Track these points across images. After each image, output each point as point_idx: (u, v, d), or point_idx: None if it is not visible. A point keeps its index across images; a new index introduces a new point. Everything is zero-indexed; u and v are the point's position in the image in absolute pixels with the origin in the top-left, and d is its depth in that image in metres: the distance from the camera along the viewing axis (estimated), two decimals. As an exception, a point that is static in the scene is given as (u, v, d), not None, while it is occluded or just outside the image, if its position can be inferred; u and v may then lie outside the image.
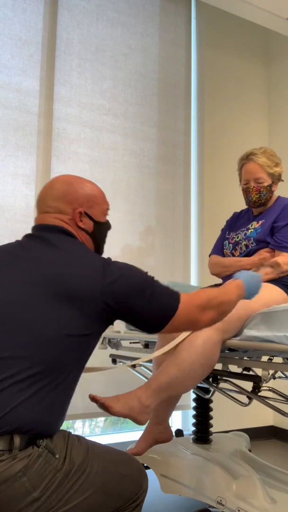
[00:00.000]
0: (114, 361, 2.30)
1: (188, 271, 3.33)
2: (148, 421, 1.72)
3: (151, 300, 1.25)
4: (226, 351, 1.79)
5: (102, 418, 3.11)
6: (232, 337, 1.66)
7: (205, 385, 1.79)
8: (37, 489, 1.08)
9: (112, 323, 1.29)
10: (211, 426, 2.22)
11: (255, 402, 1.72)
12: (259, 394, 1.61)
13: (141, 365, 2.19)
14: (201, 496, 1.85)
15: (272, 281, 1.81)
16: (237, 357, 1.74)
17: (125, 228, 3.11)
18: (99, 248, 1.48)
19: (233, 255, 2.05)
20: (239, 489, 1.75)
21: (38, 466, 1.10)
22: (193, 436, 2.22)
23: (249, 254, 1.99)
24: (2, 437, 1.08)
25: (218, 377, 1.76)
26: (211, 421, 2.22)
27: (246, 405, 1.69)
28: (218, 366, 1.76)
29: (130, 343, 2.23)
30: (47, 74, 2.93)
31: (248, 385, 1.64)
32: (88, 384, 2.86)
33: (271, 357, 1.96)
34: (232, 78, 3.71)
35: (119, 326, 2.51)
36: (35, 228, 1.36)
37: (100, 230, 1.46)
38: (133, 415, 1.43)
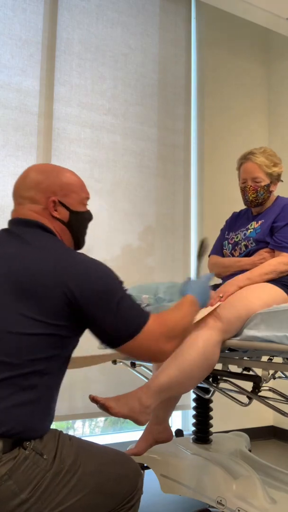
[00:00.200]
0: (114, 361, 2.30)
1: (188, 271, 3.33)
2: (148, 421, 1.72)
3: (118, 310, 1.18)
4: (226, 351, 1.79)
5: (102, 418, 3.11)
6: (232, 337, 1.66)
7: (205, 385, 1.80)
8: (25, 491, 1.06)
9: (86, 325, 1.22)
10: (211, 426, 2.22)
11: (255, 402, 1.72)
12: (259, 394, 1.61)
13: (141, 365, 2.19)
14: (201, 496, 1.85)
15: (272, 281, 1.81)
16: (237, 357, 1.75)
17: (125, 228, 3.11)
18: (78, 240, 1.38)
19: (233, 255, 2.05)
20: (239, 489, 1.76)
21: (25, 468, 1.08)
22: (193, 436, 2.22)
23: (248, 254, 1.99)
24: None
25: (218, 377, 1.76)
26: (211, 421, 2.22)
27: (246, 405, 1.69)
28: (218, 366, 1.76)
29: None
30: (47, 74, 2.93)
31: (248, 385, 1.64)
32: (88, 384, 2.86)
33: (271, 357, 1.96)
34: (232, 78, 3.71)
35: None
36: (10, 222, 1.30)
37: (78, 220, 1.35)
38: (133, 415, 1.43)
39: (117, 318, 1.18)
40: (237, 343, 1.63)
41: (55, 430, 1.22)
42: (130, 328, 1.19)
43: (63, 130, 2.96)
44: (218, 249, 2.15)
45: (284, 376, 2.04)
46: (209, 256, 2.18)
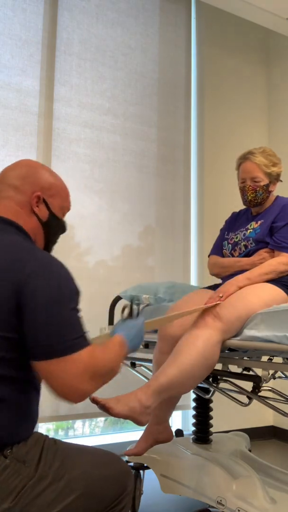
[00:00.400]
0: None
1: (188, 271, 3.33)
2: (148, 422, 1.72)
3: (60, 319, 1.08)
4: (226, 351, 1.79)
5: (102, 418, 3.11)
6: (232, 337, 1.66)
7: (205, 385, 1.80)
8: (7, 500, 1.04)
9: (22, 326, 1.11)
10: (211, 426, 2.22)
11: (255, 402, 1.72)
12: (259, 394, 1.61)
13: (141, 365, 2.19)
14: (201, 496, 1.85)
15: (272, 281, 1.81)
16: (237, 357, 1.75)
17: (125, 228, 3.11)
18: (48, 244, 1.36)
19: (233, 256, 2.05)
20: (239, 489, 1.76)
21: (5, 478, 1.05)
22: (193, 436, 2.22)
23: (248, 254, 1.99)
24: None
25: (218, 377, 1.76)
26: (211, 421, 2.22)
27: (246, 405, 1.69)
28: (218, 366, 1.76)
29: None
30: (47, 74, 2.93)
31: (248, 385, 1.64)
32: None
33: (271, 357, 1.96)
34: (232, 78, 3.71)
35: (119, 326, 2.51)
36: None
37: (55, 224, 1.32)
38: (133, 416, 1.43)
39: (54, 327, 1.07)
40: (237, 343, 1.63)
41: (40, 434, 1.19)
42: (61, 345, 1.07)
43: (63, 130, 2.96)
44: (218, 249, 2.15)
45: (284, 376, 2.04)
46: (209, 256, 2.18)
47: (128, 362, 2.20)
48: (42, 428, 2.90)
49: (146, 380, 1.87)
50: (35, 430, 1.22)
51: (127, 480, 1.22)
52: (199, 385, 1.84)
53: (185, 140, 3.43)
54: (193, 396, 2.43)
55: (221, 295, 1.70)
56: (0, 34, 2.80)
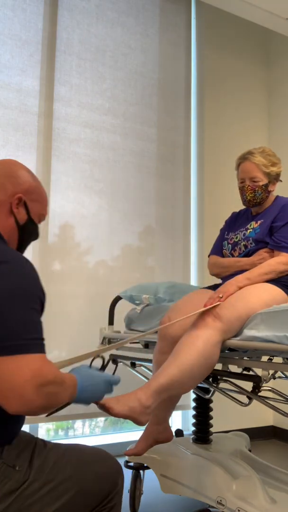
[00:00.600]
0: (114, 361, 2.30)
1: (188, 271, 3.33)
2: (148, 422, 1.72)
3: (19, 316, 1.02)
4: (226, 351, 1.79)
5: (102, 418, 3.11)
6: (232, 337, 1.66)
7: (205, 385, 1.80)
8: None
9: None
10: (211, 426, 2.22)
11: (255, 402, 1.72)
12: (259, 394, 1.61)
13: (141, 365, 2.19)
14: (201, 496, 1.85)
15: (272, 281, 1.81)
16: (237, 357, 1.75)
17: (125, 228, 3.11)
18: (21, 248, 1.29)
19: (232, 256, 2.05)
20: (239, 489, 1.76)
21: None
22: (193, 436, 2.22)
23: (248, 254, 1.99)
24: None
25: (218, 377, 1.76)
26: (211, 421, 2.22)
27: (246, 405, 1.69)
28: (218, 366, 1.76)
29: (130, 343, 2.23)
30: (47, 74, 2.93)
31: (248, 385, 1.64)
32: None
33: (271, 357, 1.96)
34: (232, 78, 3.71)
35: (119, 326, 2.51)
36: None
37: (31, 229, 1.28)
38: (133, 415, 1.43)
39: (8, 322, 1.01)
40: (237, 343, 1.63)
41: (31, 437, 1.19)
42: (13, 342, 1.00)
43: (63, 130, 2.96)
44: (218, 249, 2.15)
45: (284, 376, 2.04)
46: (208, 256, 2.18)
47: (128, 362, 2.20)
48: (42, 428, 2.90)
49: (146, 380, 1.87)
50: (29, 431, 1.21)
51: (117, 477, 1.22)
52: (199, 385, 1.84)
53: (185, 140, 3.43)
54: (193, 396, 2.43)
55: (221, 295, 1.70)
56: (0, 34, 2.80)
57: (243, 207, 2.22)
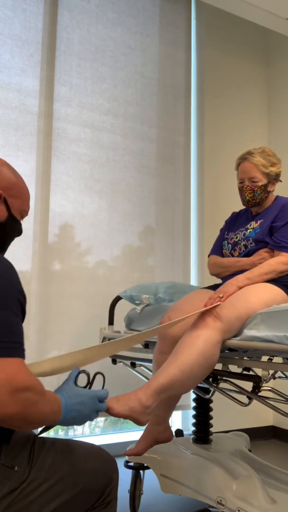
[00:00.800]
0: (114, 361, 2.30)
1: (188, 271, 3.33)
2: (148, 422, 1.72)
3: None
4: (226, 351, 1.79)
5: (102, 418, 3.11)
6: (232, 337, 1.66)
7: (205, 385, 1.80)
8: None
9: None
10: (211, 426, 2.22)
11: (255, 402, 1.72)
12: (259, 394, 1.61)
13: (141, 365, 2.19)
14: (201, 496, 1.85)
15: (272, 281, 1.81)
16: (237, 357, 1.75)
17: (125, 228, 3.11)
18: (3, 246, 1.26)
19: (232, 255, 2.05)
20: (239, 489, 1.76)
21: None
22: (193, 436, 2.22)
23: (248, 254, 1.99)
24: None
25: (218, 377, 1.76)
26: (211, 421, 2.22)
27: (246, 405, 1.69)
28: (218, 366, 1.76)
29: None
30: (47, 74, 2.93)
31: (248, 385, 1.64)
32: (88, 384, 2.86)
33: (271, 357, 1.96)
34: (232, 78, 3.71)
35: (119, 326, 2.51)
36: None
37: (12, 225, 1.24)
38: (133, 415, 1.43)
39: None
40: (237, 343, 1.63)
41: (29, 434, 1.19)
42: None
43: (63, 130, 2.96)
44: (218, 249, 2.15)
45: (284, 376, 2.04)
46: (208, 256, 2.18)
47: (128, 362, 2.20)
48: (42, 428, 2.90)
49: (146, 380, 1.87)
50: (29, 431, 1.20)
51: (113, 471, 1.23)
52: (199, 385, 1.84)
53: (185, 140, 3.43)
54: (193, 396, 2.43)
55: (221, 295, 1.70)
56: (0, 34, 2.80)
57: (243, 207, 2.22)
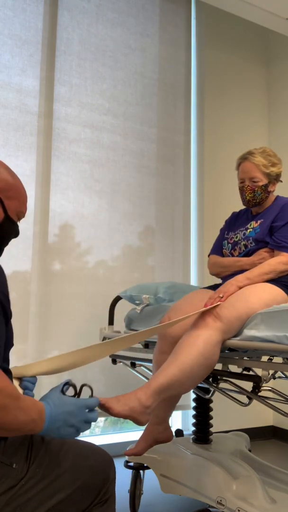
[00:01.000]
0: (114, 361, 2.30)
1: (188, 271, 3.33)
2: (148, 421, 1.72)
3: None
4: (226, 351, 1.79)
5: (102, 418, 3.11)
6: (232, 337, 1.66)
7: (205, 385, 1.80)
8: None
9: None
10: (211, 426, 2.22)
11: (255, 402, 1.72)
12: (259, 394, 1.61)
13: (141, 365, 2.19)
14: (201, 496, 1.85)
15: (272, 281, 1.81)
16: (237, 357, 1.75)
17: (125, 228, 3.11)
18: (0, 247, 1.25)
19: (232, 255, 2.05)
20: (239, 489, 1.76)
21: None
22: (193, 436, 2.22)
23: (248, 254, 1.99)
24: None
25: (218, 377, 1.76)
26: (211, 421, 2.22)
27: (246, 405, 1.69)
28: (218, 366, 1.76)
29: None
30: (47, 74, 2.93)
31: (248, 385, 1.64)
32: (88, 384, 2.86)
33: (271, 357, 1.96)
34: (232, 78, 3.71)
35: (119, 326, 2.51)
36: None
37: (9, 227, 1.23)
38: (133, 415, 1.43)
39: None
40: (237, 343, 1.63)
41: None
42: None
43: (63, 130, 2.96)
44: (218, 249, 2.15)
45: (284, 376, 2.04)
46: (208, 256, 2.18)
47: (128, 362, 2.20)
48: (42, 428, 2.90)
49: (146, 380, 1.87)
50: None
51: (109, 468, 1.23)
52: (199, 385, 1.84)
53: (185, 140, 3.43)
54: (193, 396, 2.43)
55: (221, 295, 1.70)
56: (0, 34, 2.80)
57: (243, 207, 2.22)
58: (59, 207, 2.90)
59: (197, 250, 3.38)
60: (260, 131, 3.80)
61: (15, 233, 1.27)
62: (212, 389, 1.89)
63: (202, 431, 2.20)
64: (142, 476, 2.13)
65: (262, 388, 1.63)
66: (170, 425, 1.90)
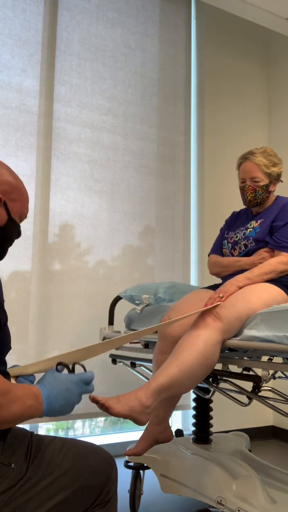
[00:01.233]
0: (114, 361, 2.30)
1: (188, 271, 3.33)
2: (148, 421, 1.72)
3: None
4: (226, 351, 1.79)
5: (102, 418, 3.11)
6: (232, 337, 1.66)
7: (205, 385, 1.80)
8: None
9: None
10: (211, 426, 2.22)
11: (255, 402, 1.72)
12: (259, 394, 1.61)
13: (141, 365, 2.19)
14: (201, 496, 1.85)
15: (272, 281, 1.81)
16: (237, 357, 1.75)
17: (125, 228, 3.11)
18: (3, 249, 1.25)
19: (232, 255, 2.05)
20: (239, 489, 1.76)
21: None
22: (193, 436, 2.22)
23: (248, 253, 1.99)
24: None
25: (218, 377, 1.76)
26: (211, 421, 2.22)
27: (246, 405, 1.69)
28: (218, 366, 1.76)
29: (130, 343, 2.23)
30: (47, 74, 2.93)
31: (248, 385, 1.64)
32: (88, 384, 2.86)
33: (271, 357, 1.96)
34: (232, 78, 3.71)
35: (119, 326, 2.51)
36: None
37: (12, 229, 1.24)
38: (133, 415, 1.43)
39: None
40: (237, 343, 1.63)
41: (25, 432, 1.19)
42: None
43: (63, 130, 2.96)
44: (218, 249, 2.15)
45: (284, 376, 2.04)
46: (208, 255, 2.18)
47: (128, 362, 2.20)
48: (42, 428, 2.90)
49: (146, 380, 1.87)
50: (29, 429, 1.20)
51: (111, 468, 1.22)
52: (199, 385, 1.84)
53: (185, 140, 3.43)
54: (193, 396, 2.43)
55: (221, 295, 1.70)
56: (0, 34, 2.80)
57: (243, 207, 2.22)
58: (59, 207, 2.90)
59: (197, 250, 3.38)
60: (260, 131, 3.80)
61: (17, 234, 1.28)
62: (212, 389, 1.89)
63: (202, 431, 2.20)
64: (142, 476, 2.13)
65: (262, 388, 1.62)
66: (170, 425, 1.90)
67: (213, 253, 2.15)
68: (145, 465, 2.10)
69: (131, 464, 2.11)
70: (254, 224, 2.02)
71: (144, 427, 2.03)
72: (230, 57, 3.71)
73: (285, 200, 2.02)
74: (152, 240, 3.21)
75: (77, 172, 2.98)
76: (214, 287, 2.03)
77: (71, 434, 2.99)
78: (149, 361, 2.03)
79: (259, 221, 2.01)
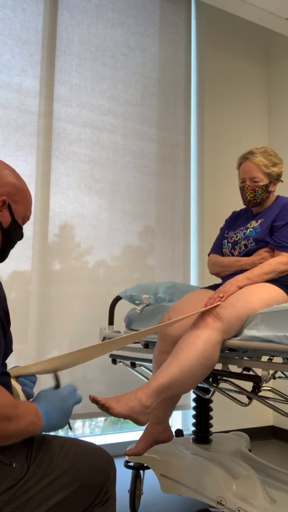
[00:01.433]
0: (114, 361, 2.30)
1: (188, 271, 3.33)
2: (148, 422, 1.72)
3: None
4: (226, 351, 1.79)
5: (102, 418, 3.11)
6: (232, 337, 1.66)
7: (205, 385, 1.80)
8: None
9: None
10: (211, 426, 2.22)
11: (255, 402, 1.72)
12: (259, 394, 1.61)
13: (141, 365, 2.19)
14: (201, 496, 1.85)
15: (272, 281, 1.81)
16: (237, 357, 1.75)
17: (125, 228, 3.11)
18: (5, 251, 1.25)
19: (232, 255, 2.05)
20: (239, 489, 1.76)
21: None
22: (193, 436, 2.22)
23: (248, 253, 1.99)
24: None
25: (218, 377, 1.76)
26: (211, 421, 2.22)
27: (246, 405, 1.69)
28: (218, 366, 1.76)
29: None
30: (47, 74, 2.93)
31: (248, 385, 1.64)
32: (88, 384, 2.86)
33: (271, 357, 1.96)
34: (232, 78, 3.71)
35: (119, 326, 2.51)
36: None
37: (15, 231, 1.24)
38: (133, 415, 1.43)
39: None
40: (237, 343, 1.63)
41: None
42: None
43: (63, 130, 2.96)
44: (218, 248, 2.15)
45: (284, 376, 2.04)
46: (208, 255, 2.18)
47: (128, 362, 2.20)
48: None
49: (146, 380, 1.87)
50: None
51: (110, 468, 1.23)
52: (199, 385, 1.84)
53: (185, 140, 3.43)
54: (193, 396, 2.43)
55: (221, 295, 1.70)
56: (0, 34, 2.80)
57: (243, 207, 2.22)
58: (59, 207, 2.90)
59: (197, 250, 3.38)
60: (260, 131, 3.80)
61: (20, 236, 1.28)
62: (212, 389, 1.89)
63: (202, 431, 2.20)
64: (142, 476, 2.13)
65: (262, 388, 1.62)
66: (170, 425, 1.90)
67: (213, 253, 2.15)
68: (145, 465, 2.10)
69: (131, 464, 2.11)
70: (254, 224, 2.02)
71: (144, 427, 2.03)
72: (230, 57, 3.71)
73: (285, 200, 2.02)
74: (152, 240, 3.21)
75: (77, 172, 2.98)
76: (214, 287, 2.03)
77: (71, 434, 2.99)
78: (149, 361, 2.03)
79: (259, 221, 2.01)
